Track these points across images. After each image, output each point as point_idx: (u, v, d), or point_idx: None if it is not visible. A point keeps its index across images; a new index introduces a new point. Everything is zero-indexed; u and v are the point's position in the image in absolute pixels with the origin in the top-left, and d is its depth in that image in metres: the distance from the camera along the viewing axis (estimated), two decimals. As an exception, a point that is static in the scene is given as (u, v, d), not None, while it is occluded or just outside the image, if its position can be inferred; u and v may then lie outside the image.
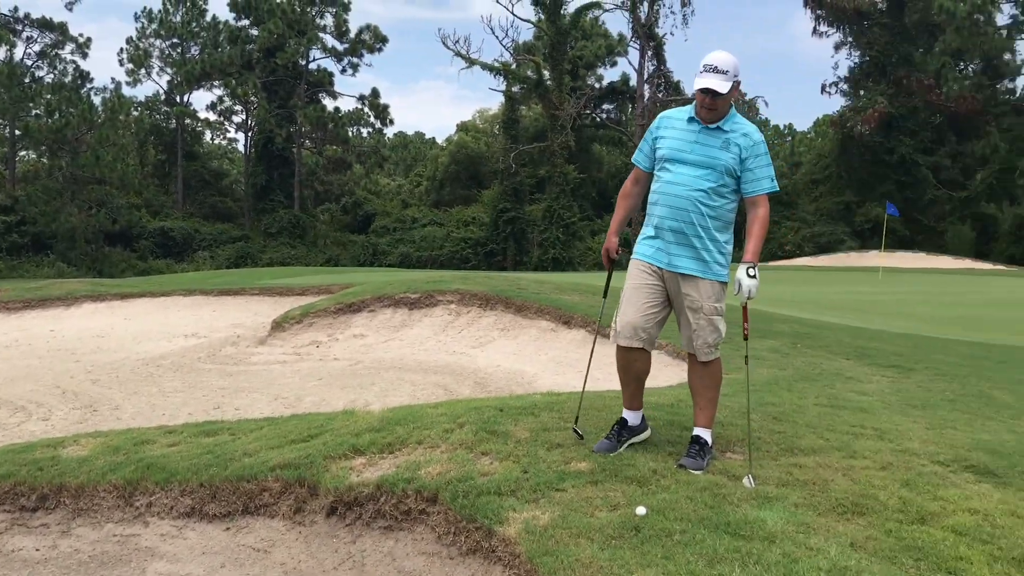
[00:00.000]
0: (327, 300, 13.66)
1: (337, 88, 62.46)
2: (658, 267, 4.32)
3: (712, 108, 4.25)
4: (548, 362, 10.10)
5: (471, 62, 51.74)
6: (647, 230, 4.41)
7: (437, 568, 3.61)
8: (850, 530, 3.37)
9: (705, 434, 4.33)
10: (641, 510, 3.44)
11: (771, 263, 48.58)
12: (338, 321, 12.67)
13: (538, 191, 54.48)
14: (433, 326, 11.84)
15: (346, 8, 60.73)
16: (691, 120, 4.36)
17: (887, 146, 54.64)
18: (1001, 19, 57.45)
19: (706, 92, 4.21)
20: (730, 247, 4.36)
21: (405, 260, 51.74)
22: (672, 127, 4.42)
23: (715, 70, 4.21)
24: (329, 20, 61.02)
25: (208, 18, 62.91)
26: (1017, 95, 60.93)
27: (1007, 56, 58.69)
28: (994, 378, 7.39)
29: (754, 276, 4.17)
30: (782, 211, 56.97)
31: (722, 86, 4.17)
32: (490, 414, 4.91)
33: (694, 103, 4.38)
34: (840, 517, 3.51)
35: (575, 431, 4.55)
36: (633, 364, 4.42)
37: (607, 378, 8.15)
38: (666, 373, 8.16)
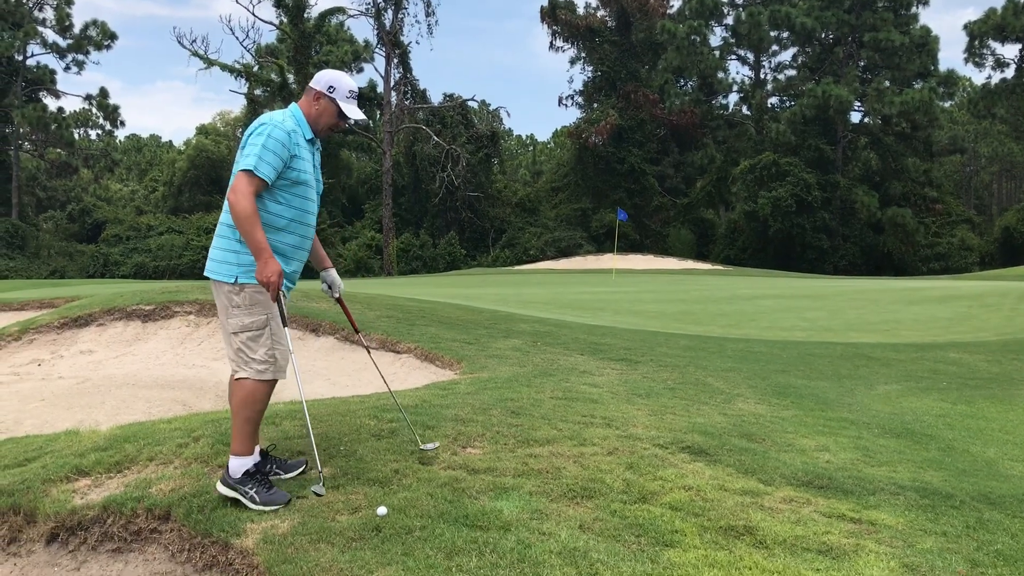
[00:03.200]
0: (50, 315, 12.52)
1: (60, 87, 58.22)
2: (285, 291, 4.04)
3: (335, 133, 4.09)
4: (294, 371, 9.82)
5: (210, 63, 49.66)
6: (276, 258, 3.89)
7: (171, 588, 3.44)
8: (580, 513, 3.58)
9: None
10: (382, 510, 3.47)
11: (516, 267, 50.43)
12: (63, 337, 11.65)
13: (285, 197, 53.24)
14: (170, 339, 11.19)
15: (68, 1, 56.18)
16: (311, 141, 4.03)
17: (618, 156, 58.45)
18: (714, 40, 63.31)
19: (348, 121, 4.04)
20: None
21: (140, 271, 48.54)
22: (301, 146, 3.94)
23: (358, 100, 4.04)
24: (49, 13, 56.27)
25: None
26: (730, 110, 67.46)
27: (720, 74, 64.72)
28: (708, 367, 8.12)
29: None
30: (526, 217, 59.33)
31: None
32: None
33: (302, 119, 3.99)
34: (571, 502, 3.71)
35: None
36: (269, 396, 4.09)
37: (355, 384, 8.13)
38: (415, 376, 8.25)
